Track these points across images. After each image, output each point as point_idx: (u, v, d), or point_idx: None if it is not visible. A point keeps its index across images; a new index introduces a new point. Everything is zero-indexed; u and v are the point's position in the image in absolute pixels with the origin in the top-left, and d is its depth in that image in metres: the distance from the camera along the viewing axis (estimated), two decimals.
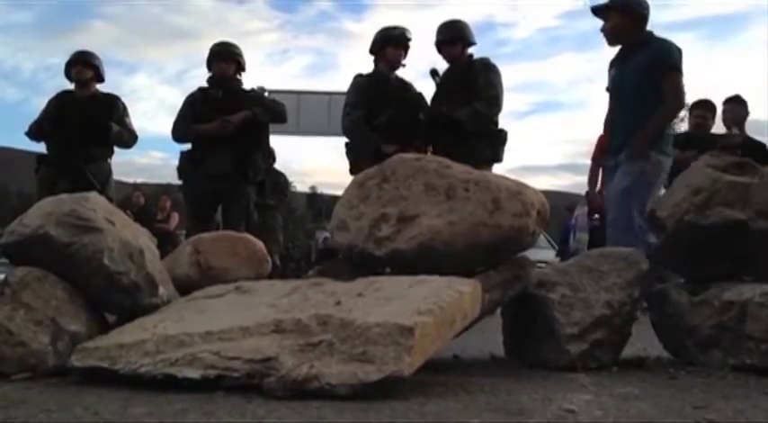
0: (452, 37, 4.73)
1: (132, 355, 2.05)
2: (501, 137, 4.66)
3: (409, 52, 4.87)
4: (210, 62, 4.91)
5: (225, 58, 4.88)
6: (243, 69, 4.99)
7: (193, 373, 1.94)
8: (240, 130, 4.67)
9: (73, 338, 2.28)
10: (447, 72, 4.76)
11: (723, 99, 5.83)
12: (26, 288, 2.27)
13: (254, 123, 4.75)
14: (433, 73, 4.80)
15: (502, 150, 4.65)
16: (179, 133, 4.85)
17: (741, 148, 5.22)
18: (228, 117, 4.64)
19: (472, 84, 4.55)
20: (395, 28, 4.84)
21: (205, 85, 4.93)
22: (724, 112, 5.76)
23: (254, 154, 4.80)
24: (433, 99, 4.76)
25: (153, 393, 1.89)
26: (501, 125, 4.72)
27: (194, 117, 4.75)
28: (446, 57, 4.77)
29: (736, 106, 5.74)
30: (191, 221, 4.87)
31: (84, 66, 5.07)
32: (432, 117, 4.66)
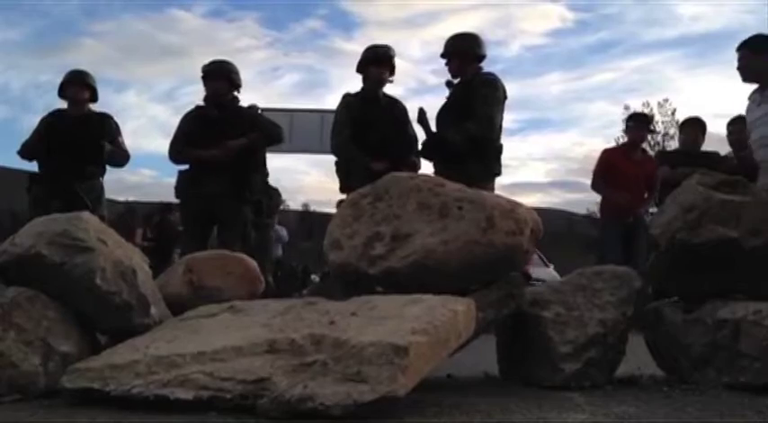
0: (446, 52, 4.74)
1: (124, 376, 2.04)
2: (493, 152, 4.57)
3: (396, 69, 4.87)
4: (204, 81, 4.91)
5: (216, 77, 4.87)
6: (238, 87, 4.98)
7: (186, 395, 1.92)
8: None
9: (64, 359, 2.26)
10: (453, 87, 4.72)
11: (728, 120, 5.84)
12: (17, 308, 2.25)
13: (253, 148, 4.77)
14: (448, 84, 4.76)
15: (496, 165, 4.59)
16: (176, 155, 4.83)
17: (743, 165, 5.24)
18: (228, 143, 4.63)
19: (471, 100, 4.49)
20: (376, 47, 4.84)
21: (201, 103, 4.93)
22: (729, 133, 5.76)
23: (251, 174, 4.80)
24: (437, 114, 4.75)
25: (145, 415, 1.87)
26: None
27: (191, 137, 4.74)
28: (449, 72, 4.77)
29: (742, 127, 5.75)
30: (186, 240, 4.84)
31: (80, 86, 5.07)
32: (426, 138, 4.64)
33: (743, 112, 4.57)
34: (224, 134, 4.67)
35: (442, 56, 4.73)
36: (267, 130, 4.91)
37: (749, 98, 4.34)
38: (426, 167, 4.78)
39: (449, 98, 4.71)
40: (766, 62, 4.17)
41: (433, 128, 4.63)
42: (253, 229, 5.03)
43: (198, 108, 4.91)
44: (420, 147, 4.67)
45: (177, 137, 4.83)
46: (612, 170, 5.99)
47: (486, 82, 4.55)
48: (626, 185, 5.91)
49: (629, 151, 6.13)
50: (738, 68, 4.31)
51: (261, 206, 5.21)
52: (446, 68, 4.74)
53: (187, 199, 4.79)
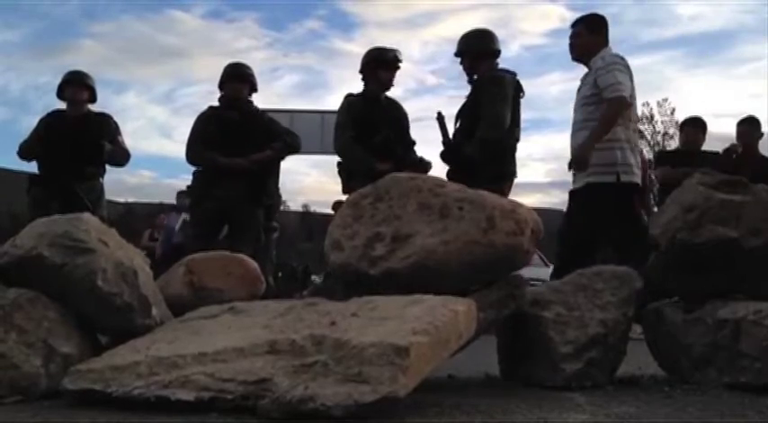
0: (459, 51, 4.71)
1: (125, 377, 2.04)
2: (508, 151, 4.49)
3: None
4: (223, 83, 4.89)
5: (239, 79, 4.87)
6: (255, 90, 4.99)
7: (187, 396, 1.92)
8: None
9: (65, 360, 2.26)
10: (472, 84, 4.66)
11: (737, 121, 5.87)
12: (18, 310, 2.25)
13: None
14: (470, 82, 4.72)
15: (512, 165, 4.52)
16: (195, 156, 4.80)
17: (757, 166, 5.25)
18: (254, 156, 4.64)
19: (480, 99, 4.42)
20: (387, 50, 4.81)
21: (215, 104, 4.92)
22: (739, 134, 5.78)
23: (267, 179, 4.81)
24: (457, 113, 4.69)
25: (146, 416, 1.87)
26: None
27: (209, 138, 4.73)
28: (463, 70, 4.71)
29: (751, 128, 5.77)
30: (195, 241, 4.84)
31: (79, 86, 5.07)
32: (444, 146, 4.60)
33: (745, 111, 4.57)
34: (244, 138, 4.67)
35: (456, 55, 4.72)
36: (287, 139, 4.90)
37: (581, 80, 4.29)
38: (436, 170, 4.77)
39: (467, 97, 4.68)
40: (598, 42, 4.15)
41: (450, 127, 4.61)
42: (262, 231, 5.03)
43: (213, 109, 4.89)
44: (439, 154, 4.65)
45: (195, 138, 4.80)
46: None
47: (492, 79, 4.48)
48: None
49: None
50: (570, 45, 4.27)
51: (271, 210, 5.22)
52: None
53: (201, 200, 4.78)
